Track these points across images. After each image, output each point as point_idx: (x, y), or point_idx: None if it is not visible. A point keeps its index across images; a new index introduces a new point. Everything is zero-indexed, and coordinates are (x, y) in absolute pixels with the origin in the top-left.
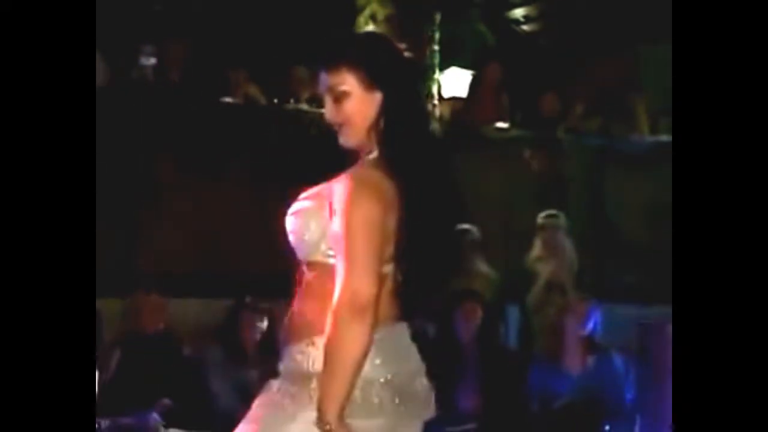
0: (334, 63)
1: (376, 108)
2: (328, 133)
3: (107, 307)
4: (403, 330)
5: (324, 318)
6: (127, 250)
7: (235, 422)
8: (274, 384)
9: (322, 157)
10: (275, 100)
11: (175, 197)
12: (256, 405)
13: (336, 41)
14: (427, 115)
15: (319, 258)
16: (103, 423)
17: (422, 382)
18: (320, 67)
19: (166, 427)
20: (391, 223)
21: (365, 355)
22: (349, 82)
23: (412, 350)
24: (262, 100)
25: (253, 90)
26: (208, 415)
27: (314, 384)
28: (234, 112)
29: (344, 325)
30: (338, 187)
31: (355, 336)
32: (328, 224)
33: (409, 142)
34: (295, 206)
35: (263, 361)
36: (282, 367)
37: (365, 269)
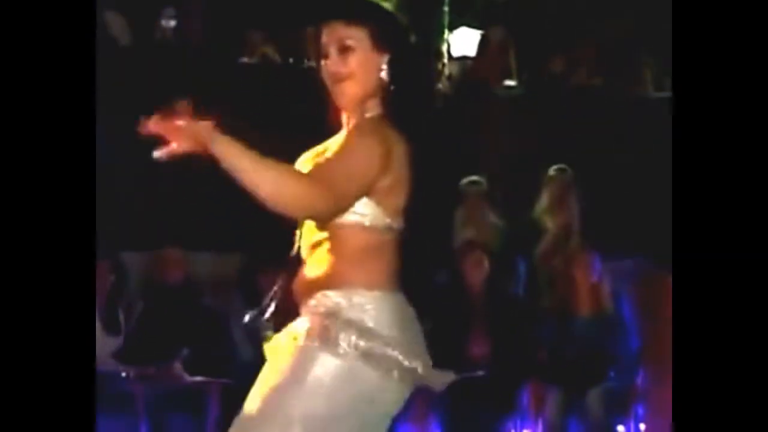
0: (346, 17)
1: (380, 69)
2: None
3: (130, 260)
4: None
5: (367, 271)
6: (149, 206)
7: (254, 370)
8: (332, 329)
9: (335, 114)
10: (291, 60)
11: (193, 154)
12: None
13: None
14: (431, 81)
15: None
16: (128, 372)
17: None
18: (329, 19)
19: (189, 375)
20: (398, 173)
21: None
22: (358, 37)
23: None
24: (278, 60)
25: (270, 51)
26: (229, 364)
27: (346, 331)
28: (251, 72)
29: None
30: (338, 136)
31: (300, 203)
32: None
33: (415, 104)
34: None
35: (282, 311)
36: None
37: (337, 191)
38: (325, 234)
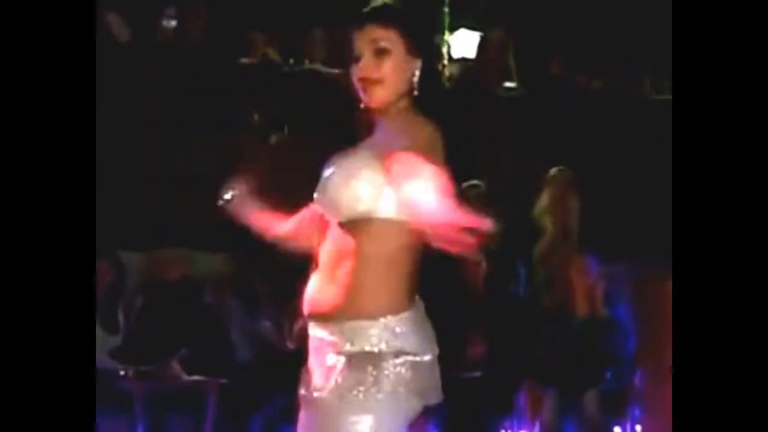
0: (384, 20)
1: (412, 73)
2: (343, 93)
3: (130, 259)
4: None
5: (395, 294)
6: (149, 206)
7: (252, 370)
8: (339, 360)
9: (336, 115)
10: (291, 61)
11: (194, 153)
12: (321, 386)
13: (387, 4)
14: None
15: (377, 215)
16: (127, 370)
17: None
18: (366, 22)
19: (187, 374)
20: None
21: None
22: (394, 40)
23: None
24: (279, 61)
25: (271, 51)
26: (227, 363)
27: (387, 364)
28: (251, 72)
29: None
30: (398, 139)
31: None
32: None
33: (440, 108)
34: (336, 170)
35: (279, 311)
36: (347, 344)
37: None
38: (351, 241)
